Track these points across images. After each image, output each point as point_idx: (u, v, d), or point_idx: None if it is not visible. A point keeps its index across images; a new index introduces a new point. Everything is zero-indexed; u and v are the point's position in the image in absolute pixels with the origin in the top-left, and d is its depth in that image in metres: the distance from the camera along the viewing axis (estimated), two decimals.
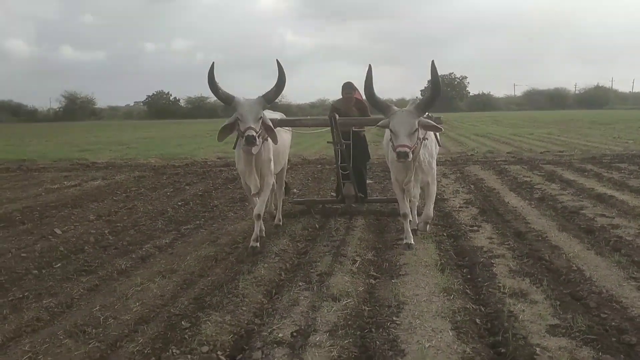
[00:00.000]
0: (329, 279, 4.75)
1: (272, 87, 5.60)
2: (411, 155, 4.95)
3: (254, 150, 5.41)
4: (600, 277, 4.65)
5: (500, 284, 4.51)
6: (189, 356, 3.34)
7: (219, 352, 3.41)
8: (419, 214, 6.65)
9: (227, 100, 5.52)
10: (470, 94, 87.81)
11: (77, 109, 76.61)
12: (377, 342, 3.49)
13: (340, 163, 7.11)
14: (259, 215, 5.88)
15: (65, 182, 11.86)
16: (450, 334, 3.59)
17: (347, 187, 7.48)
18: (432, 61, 4.92)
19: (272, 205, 7.42)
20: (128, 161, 16.46)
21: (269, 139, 5.78)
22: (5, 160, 17.31)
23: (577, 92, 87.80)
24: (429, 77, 5.43)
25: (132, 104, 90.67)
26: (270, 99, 5.56)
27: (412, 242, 5.75)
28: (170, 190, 10.48)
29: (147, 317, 4.07)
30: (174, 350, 3.43)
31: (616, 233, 6.12)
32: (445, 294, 4.28)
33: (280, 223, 7.12)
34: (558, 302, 4.06)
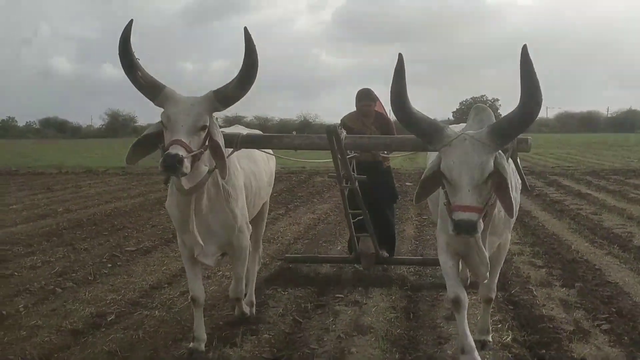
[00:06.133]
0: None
1: (233, 77, 3.27)
2: (481, 225, 2.83)
3: (184, 183, 3.25)
4: (554, 228, 7.97)
5: None
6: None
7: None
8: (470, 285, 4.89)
9: (152, 90, 3.24)
10: (502, 116, 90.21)
11: (119, 126, 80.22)
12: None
13: (352, 209, 4.95)
14: (238, 299, 4.14)
15: None
16: None
17: (364, 242, 5.42)
18: (524, 46, 2.71)
19: None
20: None
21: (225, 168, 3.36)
22: (106, 167, 21.24)
23: (609, 115, 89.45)
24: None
25: None
26: (227, 97, 3.27)
27: (472, 344, 3.39)
28: None
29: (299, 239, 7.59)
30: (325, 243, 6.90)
31: (578, 212, 9.38)
32: None
33: (248, 312, 4.43)
34: (522, 234, 7.44)
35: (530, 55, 2.73)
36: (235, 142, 3.64)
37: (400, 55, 3.00)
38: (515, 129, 2.88)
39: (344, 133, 3.79)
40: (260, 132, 4.65)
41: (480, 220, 2.79)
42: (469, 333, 3.40)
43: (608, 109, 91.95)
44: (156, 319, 4.48)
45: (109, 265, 6.18)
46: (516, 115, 2.84)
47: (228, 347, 3.88)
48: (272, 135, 4.17)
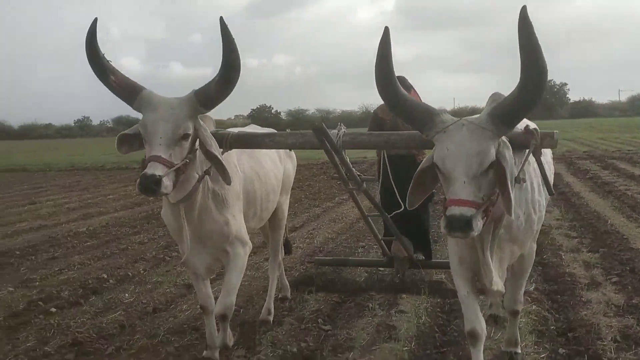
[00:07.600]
0: None
1: (215, 76, 3.01)
2: (479, 224, 2.38)
3: (171, 196, 3.03)
4: (597, 207, 8.62)
5: None
6: None
7: None
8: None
9: (128, 94, 3.00)
10: (571, 101, 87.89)
11: None
12: None
13: (388, 208, 4.73)
14: (224, 317, 3.55)
15: None
16: None
17: (396, 246, 5.09)
18: (523, 7, 2.29)
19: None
20: None
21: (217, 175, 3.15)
22: None
23: None
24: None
25: (233, 117, 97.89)
26: (209, 99, 3.01)
27: None
28: (328, 176, 15.15)
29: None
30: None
31: (625, 192, 9.92)
32: None
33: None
34: (565, 212, 8.19)
35: (530, 17, 2.29)
36: (225, 143, 3.36)
37: (386, 28, 2.62)
38: (518, 109, 2.41)
39: (342, 130, 3.49)
40: (257, 131, 4.22)
41: (479, 218, 2.36)
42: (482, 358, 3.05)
43: None
44: (248, 276, 5.65)
45: None
46: (517, 92, 2.39)
47: (306, 293, 5.07)
48: (263, 134, 3.73)
